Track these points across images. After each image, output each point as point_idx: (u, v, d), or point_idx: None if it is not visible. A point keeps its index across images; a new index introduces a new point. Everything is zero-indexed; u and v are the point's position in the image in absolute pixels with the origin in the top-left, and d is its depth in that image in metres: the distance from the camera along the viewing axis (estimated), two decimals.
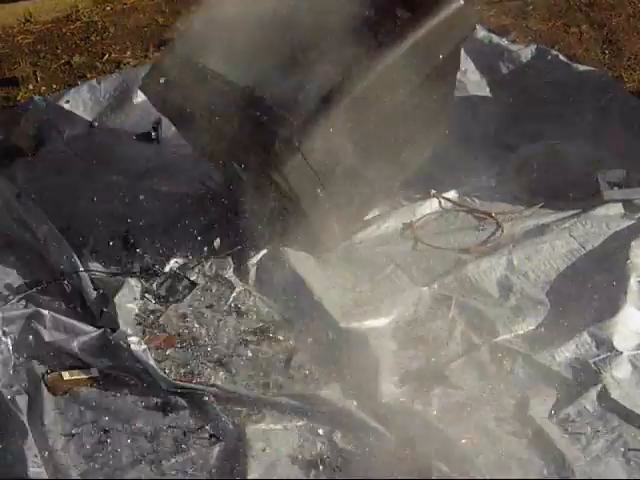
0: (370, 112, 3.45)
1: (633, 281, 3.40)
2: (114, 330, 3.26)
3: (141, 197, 4.05)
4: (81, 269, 3.57)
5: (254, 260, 3.67)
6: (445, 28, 3.61)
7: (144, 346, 3.19)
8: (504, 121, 4.62)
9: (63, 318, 3.36)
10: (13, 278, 3.65)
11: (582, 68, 4.89)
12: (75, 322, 3.35)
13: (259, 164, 3.39)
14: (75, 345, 3.25)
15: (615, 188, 4.05)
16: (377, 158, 3.67)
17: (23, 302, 3.52)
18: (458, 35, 3.76)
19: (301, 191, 3.36)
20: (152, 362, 3.13)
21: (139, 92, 4.70)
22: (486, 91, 4.79)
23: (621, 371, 3.10)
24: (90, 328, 3.32)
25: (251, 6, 3.70)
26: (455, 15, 3.62)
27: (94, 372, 3.19)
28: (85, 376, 3.19)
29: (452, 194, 4.08)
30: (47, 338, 3.29)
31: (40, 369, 3.21)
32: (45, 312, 3.36)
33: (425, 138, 3.95)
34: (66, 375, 3.18)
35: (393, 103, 3.51)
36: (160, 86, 3.76)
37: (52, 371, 3.19)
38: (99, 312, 3.41)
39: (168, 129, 4.62)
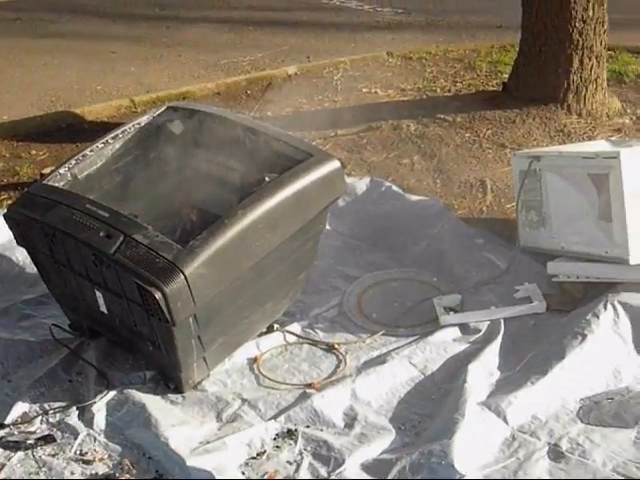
0: (245, 254, 3.54)
1: (471, 403, 3.48)
2: None
3: None
4: None
5: (99, 405, 3.61)
6: (317, 190, 3.78)
7: None
8: (343, 252, 4.76)
9: None
10: None
11: (415, 198, 5.10)
12: None
13: (135, 289, 3.36)
14: None
15: (451, 313, 4.19)
16: (249, 299, 3.78)
17: None
18: (329, 198, 3.92)
19: (177, 315, 3.32)
20: None
21: None
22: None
23: None
24: None
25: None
26: (328, 177, 3.81)
27: None
28: None
29: (295, 327, 4.15)
30: None
31: None
32: None
33: (291, 286, 4.10)
34: None
35: (264, 251, 3.61)
36: (23, 217, 3.73)
37: None
38: None
39: (12, 269, 4.59)
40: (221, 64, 8.52)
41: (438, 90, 7.30)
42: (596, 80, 6.45)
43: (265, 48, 8.96)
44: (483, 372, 3.75)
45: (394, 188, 5.19)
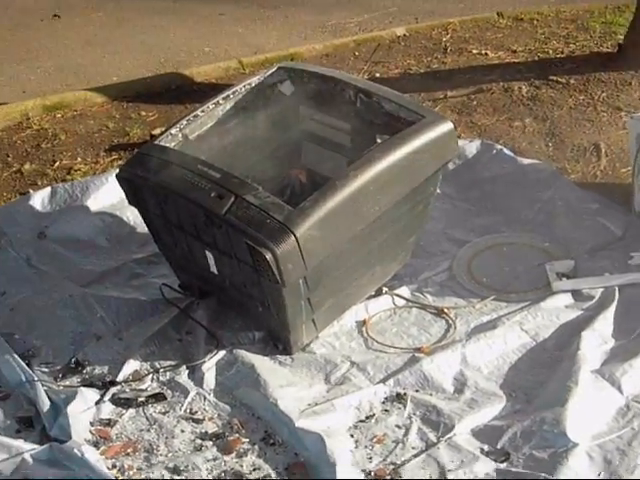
0: (356, 217, 3.51)
1: (584, 371, 3.41)
2: (63, 442, 3.16)
3: (92, 304, 4.02)
4: (35, 379, 3.52)
5: (209, 364, 3.65)
6: (429, 152, 3.71)
7: (98, 456, 3.12)
8: (453, 216, 4.70)
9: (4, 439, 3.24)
10: None
11: (526, 161, 5.00)
12: (13, 441, 3.22)
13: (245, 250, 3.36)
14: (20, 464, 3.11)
15: (564, 279, 4.10)
16: (358, 262, 3.76)
17: None
18: (441, 160, 3.85)
19: (287, 277, 3.32)
20: (107, 472, 3.05)
21: (90, 200, 4.76)
22: None
23: (578, 463, 3.05)
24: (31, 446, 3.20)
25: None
26: (440, 139, 3.73)
27: None
28: None
29: (404, 290, 4.11)
30: None
31: None
32: None
33: (400, 249, 4.07)
34: None
35: (375, 214, 3.57)
36: (135, 177, 3.75)
37: None
38: (51, 423, 3.32)
39: (124, 229, 4.65)
40: (328, 25, 8.47)
41: (550, 52, 7.12)
42: None
43: (373, 9, 8.87)
44: (597, 340, 3.66)
45: (505, 151, 5.09)
